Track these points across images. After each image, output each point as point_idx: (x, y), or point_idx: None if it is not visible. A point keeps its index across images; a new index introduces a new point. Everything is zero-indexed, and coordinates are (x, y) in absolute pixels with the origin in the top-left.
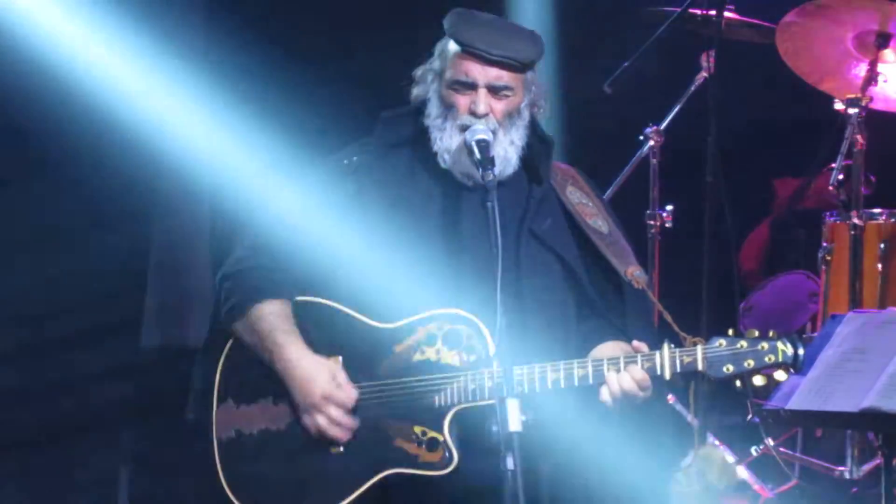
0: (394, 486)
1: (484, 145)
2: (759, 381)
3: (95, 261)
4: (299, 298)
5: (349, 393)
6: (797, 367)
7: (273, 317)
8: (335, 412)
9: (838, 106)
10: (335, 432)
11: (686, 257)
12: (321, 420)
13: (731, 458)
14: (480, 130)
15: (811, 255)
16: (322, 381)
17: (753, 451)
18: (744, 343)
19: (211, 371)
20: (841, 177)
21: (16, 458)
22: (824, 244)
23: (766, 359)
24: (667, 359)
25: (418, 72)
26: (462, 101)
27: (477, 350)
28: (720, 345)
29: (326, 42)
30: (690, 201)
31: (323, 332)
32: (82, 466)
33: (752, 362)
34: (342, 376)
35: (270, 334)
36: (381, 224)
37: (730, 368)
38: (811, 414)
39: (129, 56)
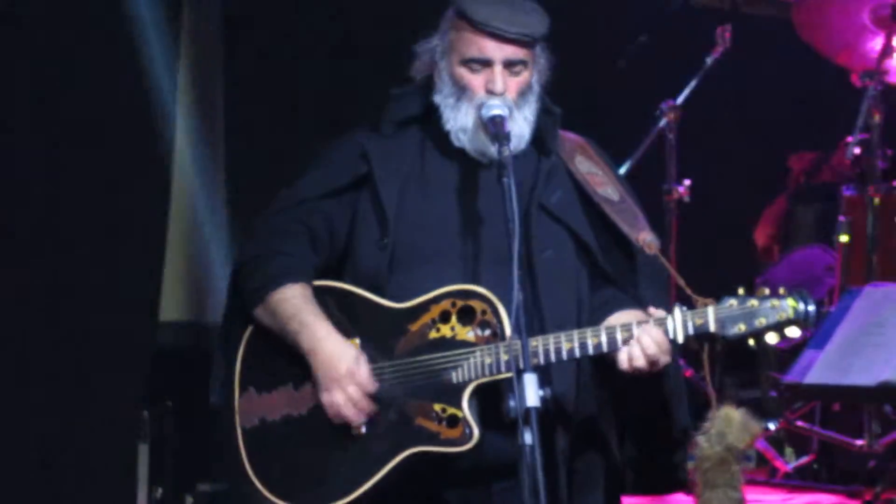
0: (417, 465)
1: (499, 121)
2: (772, 338)
3: (113, 235)
4: (314, 283)
5: (370, 379)
6: (809, 323)
7: (297, 299)
8: (355, 392)
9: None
10: (350, 412)
11: (703, 232)
12: (340, 397)
13: (752, 420)
14: (496, 106)
15: (828, 229)
16: (348, 359)
17: (771, 425)
18: (755, 302)
19: (231, 359)
20: (857, 150)
21: (32, 434)
22: (841, 218)
23: (778, 316)
24: (679, 321)
25: (420, 46)
26: (477, 80)
27: (492, 325)
28: (731, 304)
29: (350, 31)
30: (707, 176)
31: (338, 315)
32: (101, 443)
33: (764, 320)
34: (365, 363)
35: (296, 315)
36: (393, 203)
37: (742, 327)
38: (829, 388)
39: (146, 38)
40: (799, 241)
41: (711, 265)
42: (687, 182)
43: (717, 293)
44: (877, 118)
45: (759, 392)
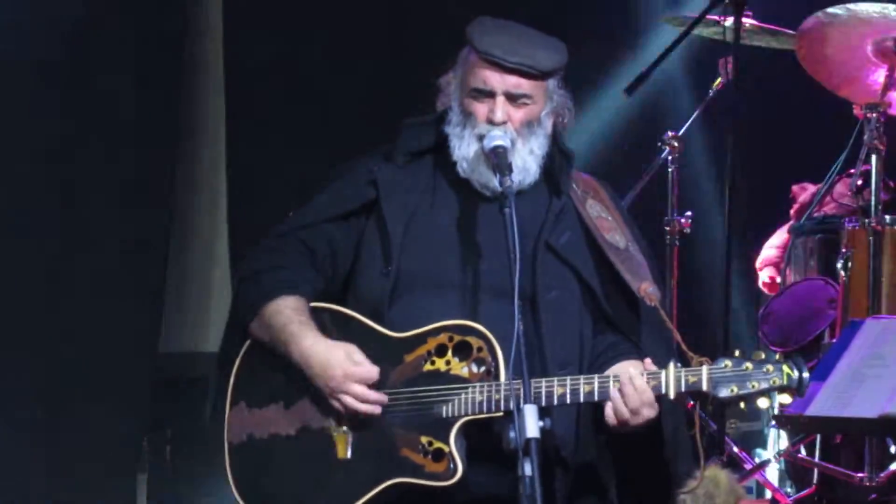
0: (399, 496)
1: (501, 152)
2: (763, 403)
3: (112, 265)
4: (314, 304)
5: (369, 368)
6: (801, 391)
7: (289, 310)
8: (359, 389)
9: (857, 112)
10: (365, 409)
11: (705, 264)
12: (348, 400)
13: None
14: (497, 137)
15: (830, 261)
16: (340, 361)
17: (772, 457)
18: (749, 365)
19: (226, 375)
20: (860, 182)
21: (33, 463)
22: (843, 250)
23: (771, 381)
24: (672, 378)
25: (442, 81)
26: (480, 109)
27: (486, 362)
28: (726, 366)
29: (350, 41)
30: (709, 208)
31: (335, 339)
32: (100, 471)
33: (756, 384)
34: (359, 355)
35: (286, 327)
36: (399, 233)
37: (734, 390)
38: (830, 420)
39: (145, 52)
40: (801, 273)
41: (713, 298)
42: (688, 214)
43: (719, 326)
44: (879, 150)
45: (760, 424)
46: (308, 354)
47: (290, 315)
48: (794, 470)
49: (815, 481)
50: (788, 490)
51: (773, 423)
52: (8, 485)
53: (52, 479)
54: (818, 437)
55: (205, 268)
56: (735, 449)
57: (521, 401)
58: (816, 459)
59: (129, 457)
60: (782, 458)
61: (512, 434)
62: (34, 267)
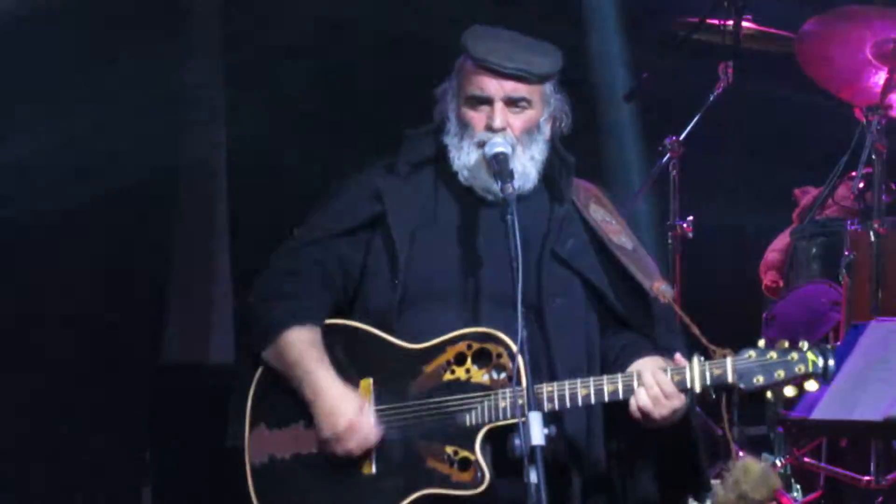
0: None
1: (503, 158)
2: (790, 391)
3: (116, 276)
4: (329, 321)
5: (372, 429)
6: (827, 377)
7: (302, 344)
8: (356, 447)
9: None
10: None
11: (708, 268)
12: (340, 452)
13: (774, 474)
14: (499, 143)
15: (833, 264)
16: (349, 412)
17: (778, 461)
18: (774, 354)
19: (242, 397)
20: (862, 185)
21: (38, 476)
22: (846, 253)
23: (797, 369)
24: (696, 371)
25: (439, 90)
26: (478, 117)
27: (507, 369)
28: (750, 356)
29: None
30: (711, 212)
31: (353, 355)
32: (104, 485)
33: (782, 373)
34: (368, 413)
35: (300, 362)
36: (405, 245)
37: (760, 380)
38: (836, 423)
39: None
40: (804, 276)
41: (716, 302)
42: (690, 218)
43: (723, 330)
44: (881, 152)
45: (766, 428)
46: (321, 397)
47: (303, 350)
48: (801, 474)
49: (821, 485)
50: (795, 494)
51: (779, 426)
52: (12, 498)
53: (56, 492)
54: (824, 440)
55: (206, 278)
56: (741, 453)
57: (526, 409)
58: (822, 463)
59: (134, 469)
60: (788, 462)
61: (517, 441)
62: (36, 277)
